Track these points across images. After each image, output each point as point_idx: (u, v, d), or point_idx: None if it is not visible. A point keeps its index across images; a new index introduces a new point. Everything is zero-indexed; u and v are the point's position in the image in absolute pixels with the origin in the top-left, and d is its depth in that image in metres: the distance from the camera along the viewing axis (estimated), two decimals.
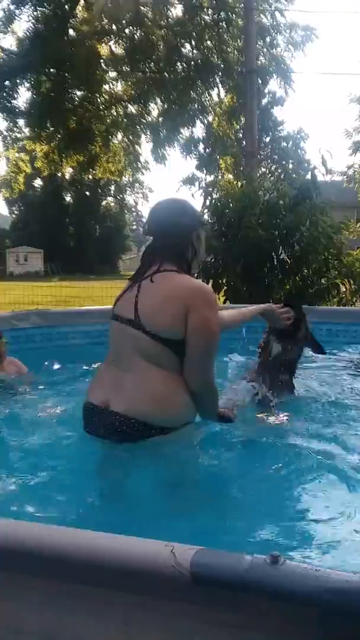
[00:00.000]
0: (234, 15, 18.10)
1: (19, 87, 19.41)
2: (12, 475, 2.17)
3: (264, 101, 20.54)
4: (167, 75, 19.05)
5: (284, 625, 0.96)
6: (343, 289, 7.59)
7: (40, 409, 2.98)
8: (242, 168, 11.43)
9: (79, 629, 1.12)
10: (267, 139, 25.15)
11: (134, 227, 64.78)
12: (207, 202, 8.54)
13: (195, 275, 2.67)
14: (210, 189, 8.69)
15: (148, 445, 2.16)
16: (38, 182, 52.74)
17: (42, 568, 1.12)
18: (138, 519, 1.83)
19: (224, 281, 7.69)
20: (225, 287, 7.70)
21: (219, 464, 2.21)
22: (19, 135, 22.07)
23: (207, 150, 21.08)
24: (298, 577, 0.93)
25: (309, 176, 7.99)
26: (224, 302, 7.48)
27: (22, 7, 18.02)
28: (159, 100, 20.21)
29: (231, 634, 1.00)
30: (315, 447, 2.31)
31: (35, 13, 18.15)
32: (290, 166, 8.49)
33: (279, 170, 9.15)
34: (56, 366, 4.15)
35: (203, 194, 8.66)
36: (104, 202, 58.16)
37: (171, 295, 2.32)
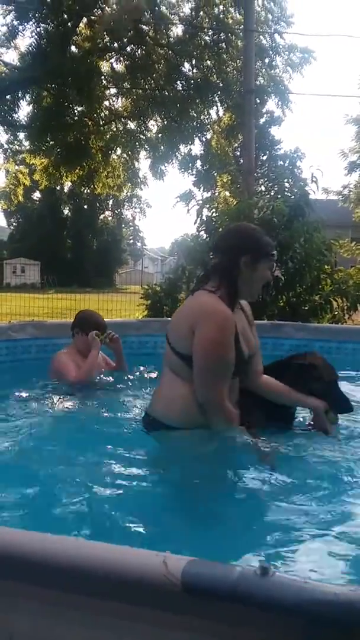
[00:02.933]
0: (233, 36, 18.38)
1: (21, 100, 19.59)
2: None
3: (262, 120, 20.82)
4: (166, 93, 19.26)
5: (273, 636, 0.99)
6: (335, 305, 7.68)
7: None
8: (238, 186, 11.54)
9: (70, 638, 1.14)
10: (264, 157, 25.31)
11: (131, 241, 64.96)
12: (199, 219, 8.60)
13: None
14: (205, 206, 8.74)
15: (156, 436, 2.59)
16: (37, 195, 52.94)
17: (33, 576, 1.13)
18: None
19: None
20: None
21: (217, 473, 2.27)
22: (19, 148, 22.23)
23: (205, 167, 21.26)
24: (286, 588, 0.96)
25: (302, 194, 8.08)
26: None
27: (25, 23, 18.22)
28: (158, 117, 20.42)
29: None
30: (308, 461, 2.34)
31: (38, 29, 18.37)
32: (287, 185, 8.59)
33: (275, 188, 9.21)
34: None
35: (197, 210, 8.72)
36: (101, 216, 58.34)
37: (187, 313, 2.60)
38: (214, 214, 8.34)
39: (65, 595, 1.12)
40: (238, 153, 21.52)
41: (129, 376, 4.20)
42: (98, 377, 4.09)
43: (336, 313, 7.57)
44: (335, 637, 0.96)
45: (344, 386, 4.17)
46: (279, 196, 8.13)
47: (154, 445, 2.63)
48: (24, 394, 3.77)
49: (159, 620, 1.06)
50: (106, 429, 3.03)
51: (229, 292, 2.56)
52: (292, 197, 8.11)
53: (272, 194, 8.79)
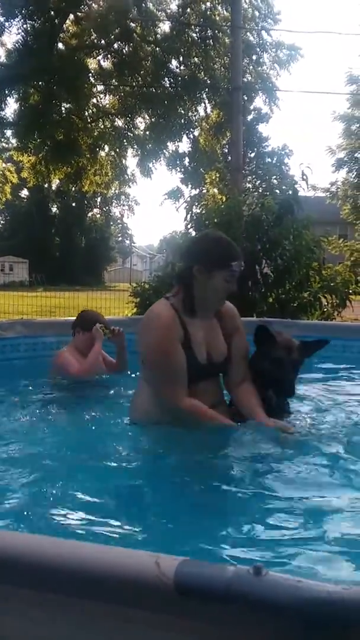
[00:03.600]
0: (220, 33, 18.37)
1: (7, 98, 19.45)
2: None
3: (250, 117, 20.82)
4: (154, 90, 19.21)
5: (267, 636, 0.98)
6: (325, 302, 7.71)
7: None
8: (226, 183, 11.55)
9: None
10: (252, 155, 25.35)
11: (119, 238, 64.79)
12: (189, 217, 8.59)
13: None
14: (193, 203, 8.73)
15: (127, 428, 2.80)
16: (24, 193, 52.67)
17: (25, 578, 1.12)
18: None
19: None
20: None
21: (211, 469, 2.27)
22: (6, 146, 22.09)
23: (193, 164, 21.24)
24: (280, 588, 0.95)
25: (291, 191, 8.10)
26: None
27: (12, 20, 18.12)
28: (145, 115, 20.36)
29: None
30: (302, 457, 2.34)
31: (25, 26, 18.25)
32: (275, 182, 8.60)
33: (263, 185, 9.23)
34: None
35: (186, 208, 8.70)
36: (90, 214, 58.15)
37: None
38: (203, 212, 8.34)
39: (56, 598, 1.11)
40: (226, 150, 21.52)
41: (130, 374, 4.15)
42: (97, 376, 4.08)
43: (325, 310, 7.60)
44: (330, 637, 0.96)
45: (337, 383, 4.21)
46: (268, 193, 8.15)
47: (141, 442, 2.66)
48: (13, 394, 3.74)
49: (151, 621, 1.05)
50: (96, 427, 3.02)
51: (184, 299, 2.66)
52: (281, 194, 8.12)
53: (260, 191, 8.81)
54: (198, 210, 8.60)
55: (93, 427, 3.05)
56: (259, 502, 2.01)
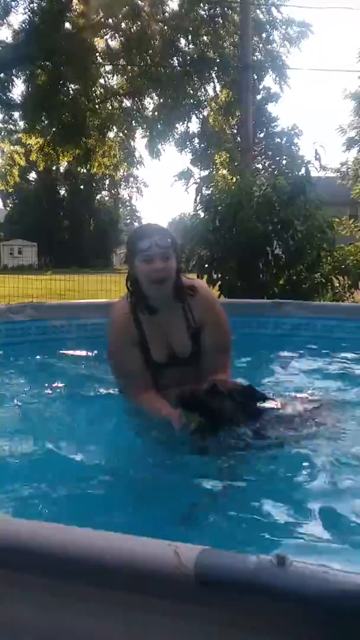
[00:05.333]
0: (230, 10, 18.04)
1: (15, 79, 19.26)
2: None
3: (259, 97, 20.55)
4: (162, 69, 18.95)
5: (292, 627, 0.95)
6: (337, 283, 7.62)
7: None
8: (236, 163, 11.41)
9: (80, 630, 1.09)
10: (261, 135, 25.12)
11: (128, 221, 64.55)
12: (199, 198, 8.49)
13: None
14: (203, 184, 8.61)
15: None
16: (32, 176, 52.50)
17: (41, 567, 1.09)
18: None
19: (219, 276, 7.67)
20: (219, 282, 7.67)
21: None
22: (13, 128, 21.93)
23: (202, 145, 21.02)
24: (307, 578, 0.91)
25: (303, 171, 7.97)
26: (219, 297, 7.46)
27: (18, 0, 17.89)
28: (154, 95, 20.11)
29: (237, 636, 0.98)
30: (318, 447, 2.28)
31: (31, 5, 18.03)
32: (284, 162, 8.50)
33: (272, 167, 9.11)
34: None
35: (196, 189, 8.60)
36: (98, 196, 57.94)
37: None
38: (215, 193, 8.24)
39: (71, 586, 1.08)
40: (235, 131, 21.25)
41: None
42: None
43: (337, 291, 7.51)
44: (357, 629, 0.92)
45: (347, 364, 4.14)
46: (278, 174, 8.03)
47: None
48: (23, 376, 3.72)
49: (171, 611, 1.02)
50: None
51: (136, 298, 2.63)
52: (292, 174, 8.00)
53: (270, 171, 8.69)
54: (208, 192, 8.49)
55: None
56: (277, 492, 1.97)
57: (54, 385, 3.52)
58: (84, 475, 2.09)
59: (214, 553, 0.98)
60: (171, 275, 2.55)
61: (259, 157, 20.03)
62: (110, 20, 19.16)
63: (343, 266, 7.62)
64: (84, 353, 4.26)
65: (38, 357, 4.24)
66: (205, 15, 18.82)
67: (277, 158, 19.38)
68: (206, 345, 2.68)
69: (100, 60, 19.97)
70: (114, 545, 1.04)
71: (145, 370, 2.61)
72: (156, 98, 20.20)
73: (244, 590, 0.93)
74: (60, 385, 3.51)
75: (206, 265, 7.61)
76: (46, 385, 3.50)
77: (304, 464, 2.12)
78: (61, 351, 4.29)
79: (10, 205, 57.03)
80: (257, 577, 0.93)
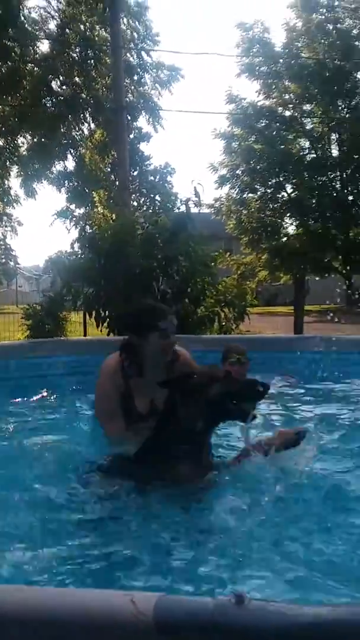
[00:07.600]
0: (101, 53, 18.38)
1: None
2: None
3: (131, 136, 20.95)
4: (35, 109, 18.80)
5: None
6: (223, 316, 7.85)
7: None
8: (111, 201, 11.54)
9: None
10: (135, 173, 25.52)
11: (3, 260, 62.63)
12: (81, 236, 8.49)
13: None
14: (83, 223, 8.64)
15: None
16: None
17: None
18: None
19: (107, 313, 7.64)
20: (107, 320, 7.65)
21: None
22: None
23: (78, 183, 21.00)
24: (267, 615, 0.91)
25: (183, 209, 8.22)
26: (109, 334, 7.43)
27: None
28: (27, 135, 19.88)
29: None
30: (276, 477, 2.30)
31: None
32: (158, 198, 8.76)
33: (147, 203, 9.33)
34: None
35: (79, 227, 8.59)
36: None
37: None
38: (96, 231, 8.26)
39: None
40: (109, 169, 21.48)
41: None
42: None
43: (224, 323, 7.73)
44: None
45: None
46: (161, 211, 8.22)
47: None
48: None
49: None
50: None
51: (131, 364, 2.99)
52: (172, 211, 8.22)
53: (145, 208, 8.88)
54: (90, 230, 8.51)
55: None
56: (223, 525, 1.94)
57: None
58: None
59: (172, 599, 0.96)
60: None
61: (134, 195, 20.31)
62: None
63: (226, 299, 7.87)
64: None
65: None
66: (77, 58, 19.04)
67: (152, 195, 19.82)
68: None
69: None
70: (66, 601, 0.98)
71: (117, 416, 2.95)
72: (29, 137, 19.99)
73: (205, 634, 0.92)
74: None
75: (94, 304, 7.57)
76: None
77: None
78: None
79: None
80: (217, 619, 0.91)
